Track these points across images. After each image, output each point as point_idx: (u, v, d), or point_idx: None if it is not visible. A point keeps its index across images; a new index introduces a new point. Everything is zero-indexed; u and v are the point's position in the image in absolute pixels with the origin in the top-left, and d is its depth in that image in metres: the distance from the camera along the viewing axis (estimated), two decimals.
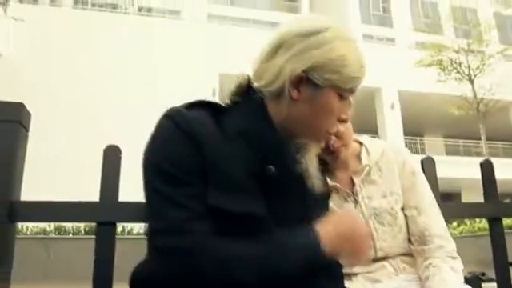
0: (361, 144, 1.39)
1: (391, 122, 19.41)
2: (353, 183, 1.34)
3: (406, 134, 19.95)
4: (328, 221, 0.95)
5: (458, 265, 1.28)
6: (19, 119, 1.23)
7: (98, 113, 14.77)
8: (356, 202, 1.33)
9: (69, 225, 9.11)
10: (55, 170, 12.96)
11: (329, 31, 0.96)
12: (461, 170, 17.44)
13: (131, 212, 1.28)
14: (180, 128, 0.92)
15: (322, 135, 1.03)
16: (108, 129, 14.44)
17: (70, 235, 9.64)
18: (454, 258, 1.28)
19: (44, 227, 9.29)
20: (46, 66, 14.98)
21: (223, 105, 1.05)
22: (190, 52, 16.74)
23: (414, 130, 21.86)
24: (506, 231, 1.76)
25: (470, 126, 19.52)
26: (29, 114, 1.28)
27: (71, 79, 15.01)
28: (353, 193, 1.33)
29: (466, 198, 20.52)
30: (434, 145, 23.98)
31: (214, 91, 16.23)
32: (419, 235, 1.31)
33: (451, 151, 23.51)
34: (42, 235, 9.15)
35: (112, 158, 1.31)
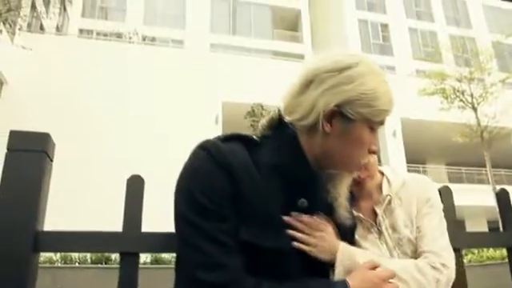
0: (382, 174, 1.40)
1: (393, 149, 19.42)
2: (375, 214, 1.34)
3: (408, 161, 19.93)
4: (356, 276, 0.98)
5: (433, 272, 1.20)
6: (45, 149, 1.24)
7: (100, 140, 14.81)
8: (380, 232, 1.32)
9: (75, 254, 9.01)
10: (71, 200, 12.93)
11: (359, 66, 0.99)
12: (464, 197, 17.33)
13: (154, 242, 1.28)
14: (215, 160, 0.93)
15: (355, 166, 1.05)
16: (108, 156, 14.47)
17: (77, 264, 9.54)
18: (434, 267, 1.21)
19: (50, 256, 9.20)
20: (51, 94, 15.11)
21: (256, 138, 1.06)
22: (194, 80, 16.91)
23: (416, 158, 21.86)
24: None
25: (473, 154, 19.52)
26: (54, 144, 1.29)
27: (76, 106, 15.11)
28: (376, 223, 1.33)
29: (470, 226, 20.33)
30: (436, 172, 23.93)
31: (216, 119, 16.32)
32: (416, 253, 1.30)
33: (454, 179, 23.44)
34: (48, 264, 9.05)
35: (135, 187, 1.31)
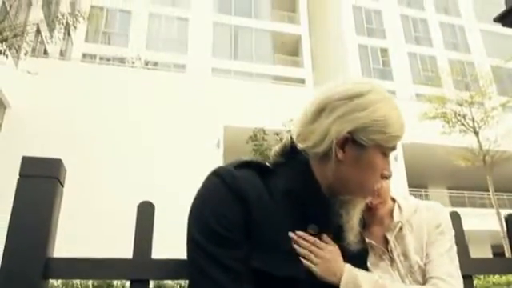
0: (394, 201, 1.39)
1: (395, 173, 19.32)
2: (386, 240, 1.33)
3: (410, 185, 19.86)
4: None
5: None
6: (57, 175, 1.24)
7: (102, 165, 14.81)
8: (391, 259, 1.31)
9: (77, 280, 8.90)
10: (78, 226, 12.88)
11: (371, 93, 1.00)
12: (467, 221, 17.07)
13: (165, 269, 1.27)
14: (229, 187, 0.94)
15: (369, 192, 1.05)
16: (112, 181, 14.45)
17: None
18: None
19: (51, 283, 9.08)
20: (54, 118, 15.18)
21: (269, 165, 1.07)
22: (195, 104, 17.01)
23: (418, 182, 21.79)
24: None
25: (475, 178, 19.47)
26: (65, 170, 1.30)
27: (78, 130, 15.15)
28: (388, 250, 1.32)
29: (474, 251, 20.11)
30: (438, 196, 23.82)
31: (218, 143, 16.35)
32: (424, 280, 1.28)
33: (456, 203, 23.31)
34: None
35: (145, 214, 1.30)
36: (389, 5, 31.26)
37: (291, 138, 1.07)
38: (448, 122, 17.22)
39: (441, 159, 19.47)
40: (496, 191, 17.28)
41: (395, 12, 31.07)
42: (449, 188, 24.83)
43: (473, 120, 16.99)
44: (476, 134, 16.86)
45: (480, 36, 31.75)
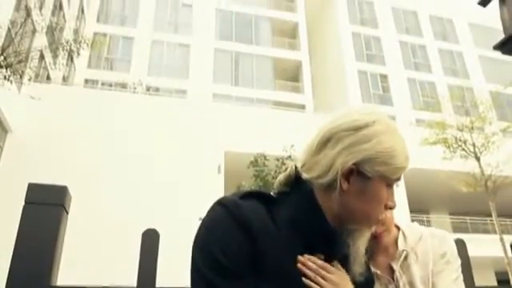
0: (398, 229, 1.39)
1: (396, 199, 19.24)
2: (392, 270, 1.32)
3: (411, 211, 19.73)
4: None
5: None
6: (62, 203, 1.24)
7: (102, 189, 14.76)
8: None
9: None
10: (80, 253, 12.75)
11: (376, 125, 1.01)
12: (470, 248, 16.92)
13: None
14: (234, 217, 0.94)
15: (373, 222, 1.05)
16: (111, 207, 14.37)
17: None
18: None
19: None
20: (56, 143, 15.21)
21: (274, 195, 1.07)
22: (196, 130, 17.06)
23: (419, 207, 21.64)
24: None
25: (477, 203, 19.35)
26: (70, 197, 1.30)
27: (80, 156, 15.16)
28: (393, 280, 1.31)
29: (476, 278, 19.77)
30: (440, 222, 23.62)
31: (219, 168, 16.32)
32: None
33: (458, 228, 23.10)
34: None
35: (150, 241, 1.30)
36: (388, 31, 31.71)
37: (295, 167, 1.08)
38: (449, 148, 17.24)
39: (442, 184, 19.39)
40: (499, 216, 17.15)
41: (394, 38, 31.49)
42: (451, 213, 24.64)
43: (474, 145, 17.00)
44: (477, 159, 16.84)
45: (478, 62, 32.10)
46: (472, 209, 22.17)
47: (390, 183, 1.02)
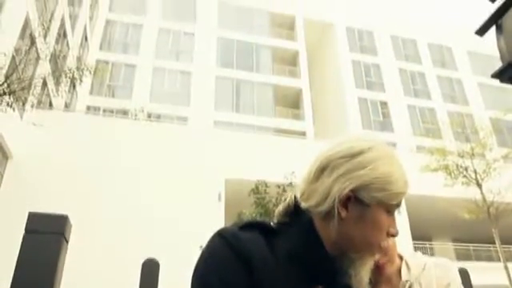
0: (401, 258, 1.37)
1: (399, 226, 19.04)
2: None
3: (414, 238, 19.53)
4: None
5: None
6: (63, 232, 1.24)
7: (102, 216, 14.67)
8: None
9: None
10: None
11: (371, 151, 1.00)
12: (473, 276, 16.71)
13: None
14: (233, 249, 0.93)
15: (375, 249, 1.03)
16: (111, 235, 14.26)
17: None
18: None
19: None
20: (57, 170, 15.21)
21: (273, 225, 1.07)
22: (197, 156, 17.08)
23: (422, 234, 21.44)
24: None
25: (480, 230, 19.16)
26: (70, 226, 1.30)
27: (81, 182, 15.13)
28: None
29: None
30: (443, 249, 23.36)
31: (219, 196, 16.24)
32: None
33: (462, 256, 22.81)
34: None
35: (150, 271, 1.29)
36: (387, 59, 32.09)
37: (295, 197, 1.07)
38: (450, 174, 17.19)
39: (445, 211, 19.27)
40: (503, 244, 16.96)
41: (393, 66, 31.85)
42: (454, 240, 24.38)
43: (475, 172, 16.96)
44: (479, 186, 16.78)
45: (478, 88, 32.35)
46: (475, 236, 21.95)
47: (390, 209, 1.01)
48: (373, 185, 0.97)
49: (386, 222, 1.01)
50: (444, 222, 22.25)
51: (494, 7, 2.23)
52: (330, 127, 29.73)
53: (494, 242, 17.15)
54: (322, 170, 1.01)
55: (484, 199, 16.62)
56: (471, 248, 23.20)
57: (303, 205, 1.03)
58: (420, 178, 17.59)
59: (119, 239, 13.96)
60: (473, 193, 16.91)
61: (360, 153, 0.99)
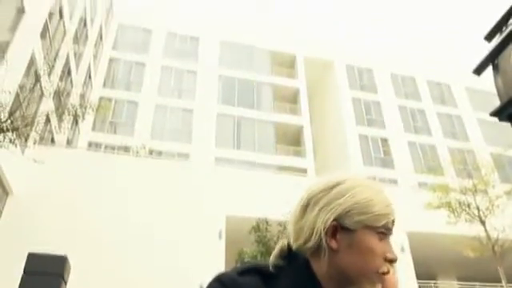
0: None
1: (402, 265, 18.80)
2: None
3: (418, 277, 19.16)
4: None
5: None
6: (61, 273, 1.23)
7: (102, 254, 14.48)
8: None
9: None
10: None
11: (347, 182, 1.04)
12: None
13: None
14: None
15: (374, 278, 1.02)
16: (111, 272, 14.03)
17: None
18: None
19: None
20: (57, 206, 15.12)
21: (271, 269, 1.07)
22: (198, 193, 17.01)
23: (426, 273, 21.04)
24: None
25: (486, 268, 18.80)
26: (70, 267, 1.29)
27: (82, 219, 15.02)
28: None
29: None
30: None
31: (220, 233, 16.07)
32: None
33: None
34: None
35: None
36: (387, 96, 32.45)
37: (288, 240, 1.09)
38: (453, 212, 17.04)
39: (449, 249, 18.98)
40: (509, 282, 16.60)
41: (393, 103, 32.17)
42: (459, 279, 23.89)
43: (478, 209, 16.82)
44: (482, 223, 16.60)
45: (478, 125, 32.52)
46: (480, 274, 21.51)
47: (380, 232, 1.01)
48: (353, 210, 1.00)
49: (378, 246, 1.01)
50: (448, 260, 21.88)
51: (490, 46, 2.28)
52: (331, 164, 29.73)
53: (500, 281, 16.80)
54: (305, 208, 1.05)
55: (488, 237, 16.40)
56: (477, 286, 22.71)
57: (294, 246, 1.05)
58: (423, 215, 17.46)
59: (119, 277, 13.72)
60: (476, 230, 16.71)
61: (337, 184, 1.04)
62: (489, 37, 2.11)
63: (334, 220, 0.99)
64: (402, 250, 18.70)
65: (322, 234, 0.99)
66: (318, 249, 1.00)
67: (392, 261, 1.04)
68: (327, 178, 1.08)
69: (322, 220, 1.00)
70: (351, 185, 1.03)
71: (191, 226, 15.90)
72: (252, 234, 13.76)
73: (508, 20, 2.01)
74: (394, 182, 26.92)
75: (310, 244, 1.01)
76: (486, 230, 16.47)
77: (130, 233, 15.20)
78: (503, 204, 17.05)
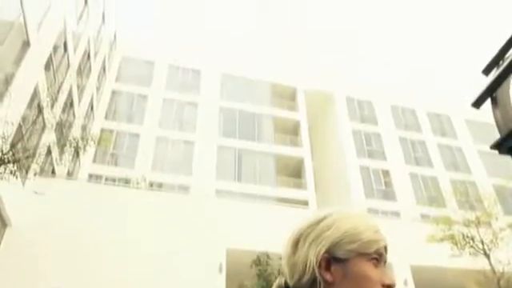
0: None
1: None
2: None
3: None
4: None
5: None
6: None
7: (105, 286, 14.24)
8: None
9: None
10: None
11: (333, 214, 1.07)
12: None
13: None
14: None
15: None
16: None
17: None
18: None
19: None
20: (56, 238, 14.96)
21: None
22: (198, 226, 16.86)
23: None
24: None
25: None
26: None
27: (81, 251, 14.84)
28: None
29: None
30: None
31: (220, 267, 15.82)
32: None
33: None
34: None
35: None
36: (387, 128, 32.59)
37: (284, 279, 1.10)
38: (456, 245, 16.80)
39: (453, 283, 18.62)
40: None
41: (394, 135, 32.28)
42: None
43: (482, 242, 16.59)
44: (487, 256, 16.34)
45: (478, 156, 32.52)
46: None
47: (373, 259, 1.01)
48: (343, 240, 1.01)
49: (373, 273, 1.00)
50: None
51: (488, 80, 2.31)
52: (333, 196, 29.58)
53: None
54: (296, 244, 1.07)
55: (493, 270, 16.12)
56: None
57: (291, 283, 1.06)
58: (426, 248, 17.22)
59: None
60: (481, 263, 16.44)
61: (323, 218, 1.07)
62: (486, 70, 2.14)
63: (326, 252, 1.00)
64: (405, 283, 18.36)
65: (316, 268, 0.99)
66: (313, 283, 1.00)
67: (390, 287, 1.03)
68: (315, 213, 1.10)
69: (314, 253, 1.01)
70: (337, 217, 1.05)
71: (191, 259, 15.68)
72: (253, 267, 13.56)
73: (505, 54, 2.04)
74: (397, 214, 26.71)
75: (305, 279, 1.01)
76: (490, 264, 16.21)
77: (129, 265, 14.98)
78: (507, 237, 16.85)
